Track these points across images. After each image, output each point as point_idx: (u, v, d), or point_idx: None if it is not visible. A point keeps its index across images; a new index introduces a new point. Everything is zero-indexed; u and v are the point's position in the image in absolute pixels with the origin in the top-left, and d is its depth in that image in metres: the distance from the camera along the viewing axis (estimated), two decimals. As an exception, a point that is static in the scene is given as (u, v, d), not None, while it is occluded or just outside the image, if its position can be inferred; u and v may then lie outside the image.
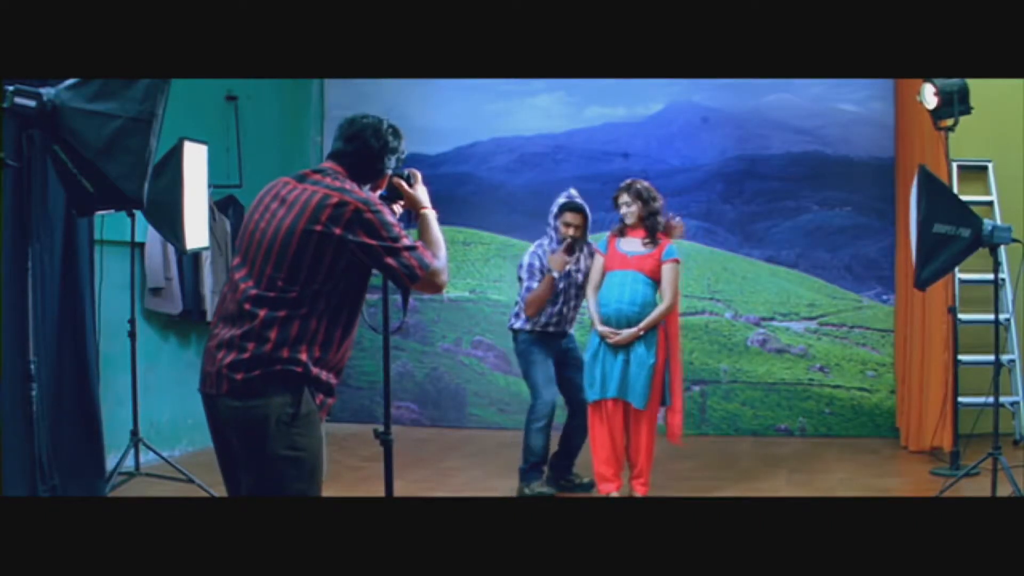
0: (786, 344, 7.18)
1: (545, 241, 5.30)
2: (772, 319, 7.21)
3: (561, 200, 5.25)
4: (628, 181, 5.17)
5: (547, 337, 5.28)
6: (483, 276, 7.61)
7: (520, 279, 5.31)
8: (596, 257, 5.16)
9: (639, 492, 5.00)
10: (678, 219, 5.17)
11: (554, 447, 5.35)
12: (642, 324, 4.92)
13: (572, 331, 5.44)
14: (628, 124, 7.50)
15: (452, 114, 7.63)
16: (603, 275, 5.09)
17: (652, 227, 5.07)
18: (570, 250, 5.19)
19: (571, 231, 5.19)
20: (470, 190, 7.62)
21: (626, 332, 4.92)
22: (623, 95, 7.39)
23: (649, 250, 5.05)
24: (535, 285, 5.20)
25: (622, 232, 5.12)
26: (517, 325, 5.30)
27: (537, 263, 5.24)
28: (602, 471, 5.01)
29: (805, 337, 7.16)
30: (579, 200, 5.23)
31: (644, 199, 5.08)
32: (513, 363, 5.48)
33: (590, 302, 5.08)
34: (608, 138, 7.53)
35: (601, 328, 4.97)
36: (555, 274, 5.16)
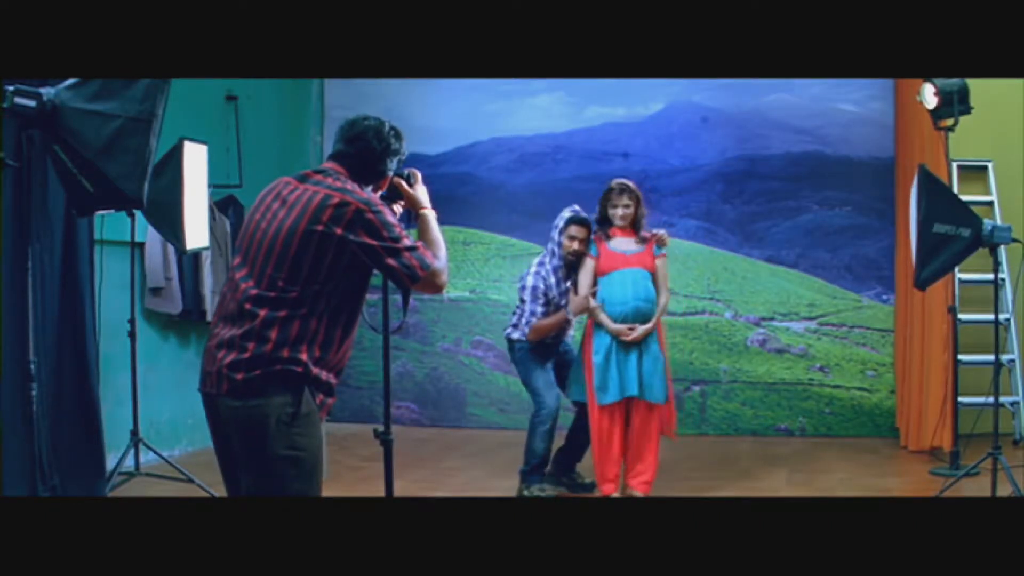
0: (786, 344, 7.18)
1: (547, 259, 5.27)
2: (772, 319, 7.21)
3: (567, 214, 5.23)
4: (622, 182, 5.15)
5: (544, 347, 5.28)
6: (483, 276, 7.61)
7: (522, 299, 5.28)
8: (586, 260, 5.14)
9: (641, 491, 5.00)
10: (662, 232, 5.18)
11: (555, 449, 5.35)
12: (655, 319, 4.96)
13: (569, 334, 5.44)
14: (628, 124, 7.50)
15: (452, 114, 7.64)
16: (595, 277, 5.09)
17: (639, 228, 5.11)
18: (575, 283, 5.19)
19: (576, 244, 5.18)
20: (470, 190, 7.63)
21: (642, 328, 4.93)
22: (623, 95, 7.39)
23: (643, 247, 5.07)
24: (538, 309, 5.19)
25: (608, 234, 5.11)
26: (515, 336, 5.29)
27: (541, 285, 5.21)
28: (606, 472, 5.00)
29: (805, 337, 7.16)
30: (584, 214, 5.23)
31: (639, 200, 5.11)
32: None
33: (591, 303, 5.04)
34: (608, 138, 7.53)
35: (616, 327, 4.95)
36: (571, 316, 5.19)
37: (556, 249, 5.22)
